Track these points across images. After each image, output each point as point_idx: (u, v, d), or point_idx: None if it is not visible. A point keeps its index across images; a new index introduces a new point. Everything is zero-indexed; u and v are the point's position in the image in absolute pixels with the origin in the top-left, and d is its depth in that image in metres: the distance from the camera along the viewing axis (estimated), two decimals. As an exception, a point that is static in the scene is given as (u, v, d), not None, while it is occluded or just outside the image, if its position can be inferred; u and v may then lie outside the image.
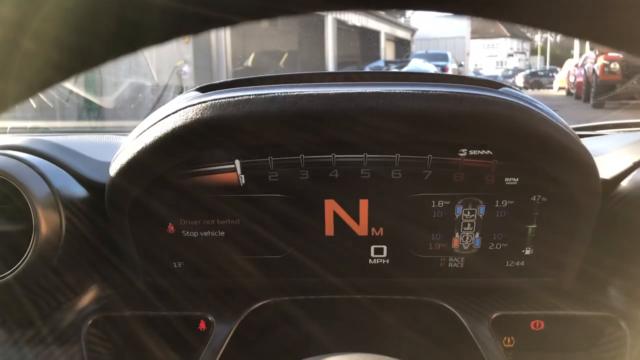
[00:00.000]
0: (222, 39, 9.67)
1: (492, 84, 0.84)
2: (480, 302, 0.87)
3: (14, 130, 1.51)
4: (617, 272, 0.85)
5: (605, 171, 0.84)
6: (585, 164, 0.78)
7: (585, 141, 1.00)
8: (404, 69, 10.94)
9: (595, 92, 9.91)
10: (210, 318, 0.87)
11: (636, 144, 0.86)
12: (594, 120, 1.31)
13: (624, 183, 0.82)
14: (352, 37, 14.89)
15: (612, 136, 1.03)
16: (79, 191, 0.89)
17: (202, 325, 0.88)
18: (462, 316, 0.85)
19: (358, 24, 13.93)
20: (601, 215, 0.82)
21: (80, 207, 0.87)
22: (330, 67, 12.01)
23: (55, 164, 0.88)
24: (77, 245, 0.86)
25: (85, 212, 0.87)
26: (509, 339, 0.85)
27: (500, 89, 0.82)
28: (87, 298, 0.90)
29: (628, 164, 0.82)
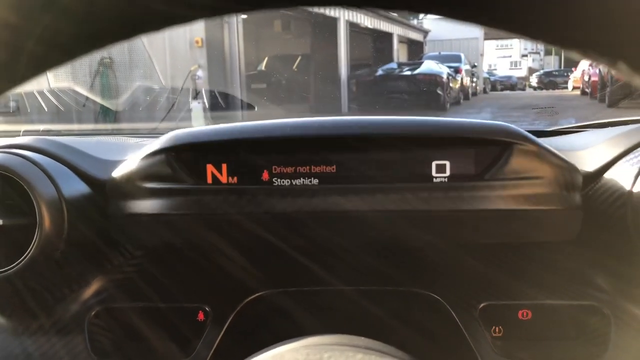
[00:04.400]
0: (235, 43, 9.72)
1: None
2: (467, 291, 0.89)
3: (27, 134, 1.55)
4: (601, 264, 0.86)
5: (588, 164, 0.86)
6: None
7: (570, 137, 1.01)
8: (417, 71, 10.95)
9: (611, 92, 9.76)
10: (207, 309, 0.90)
11: (618, 137, 0.87)
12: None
13: (607, 175, 0.83)
14: (364, 40, 14.86)
15: (597, 131, 1.03)
16: (82, 188, 0.92)
17: (201, 316, 0.91)
18: (450, 306, 0.87)
19: (370, 26, 13.89)
20: (584, 209, 0.83)
21: (83, 204, 0.90)
22: (343, 70, 12.00)
23: (59, 162, 0.92)
24: (79, 240, 0.89)
25: (87, 208, 0.91)
26: (497, 328, 0.87)
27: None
28: (90, 290, 0.94)
29: (610, 157, 0.84)
